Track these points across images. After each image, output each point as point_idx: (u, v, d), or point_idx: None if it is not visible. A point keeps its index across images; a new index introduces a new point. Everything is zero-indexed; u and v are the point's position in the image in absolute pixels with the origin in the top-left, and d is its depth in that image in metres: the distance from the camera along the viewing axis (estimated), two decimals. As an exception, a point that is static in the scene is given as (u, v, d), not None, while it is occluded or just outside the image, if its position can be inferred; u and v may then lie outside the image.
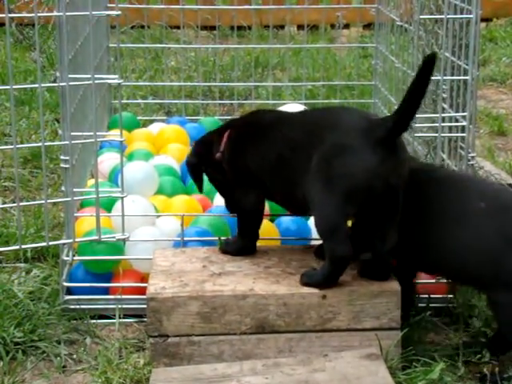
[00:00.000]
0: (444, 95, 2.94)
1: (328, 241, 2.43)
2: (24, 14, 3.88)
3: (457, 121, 2.98)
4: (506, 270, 2.38)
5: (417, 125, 2.89)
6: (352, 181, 2.35)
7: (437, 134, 2.91)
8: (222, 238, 2.80)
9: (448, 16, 2.86)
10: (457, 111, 2.98)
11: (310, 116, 2.63)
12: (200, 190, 2.84)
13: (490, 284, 2.42)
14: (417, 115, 2.86)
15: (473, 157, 2.88)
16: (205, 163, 2.77)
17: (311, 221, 2.99)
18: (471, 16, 2.79)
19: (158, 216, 3.07)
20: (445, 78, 2.88)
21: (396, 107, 2.41)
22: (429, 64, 2.31)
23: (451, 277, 2.62)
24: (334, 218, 2.38)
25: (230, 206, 2.80)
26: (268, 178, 2.58)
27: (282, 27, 6.17)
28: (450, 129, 3.00)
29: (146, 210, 3.04)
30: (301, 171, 2.45)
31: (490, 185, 2.75)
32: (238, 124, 2.76)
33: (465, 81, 2.90)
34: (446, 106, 3.00)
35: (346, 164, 2.35)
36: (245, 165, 2.62)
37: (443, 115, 2.91)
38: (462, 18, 2.89)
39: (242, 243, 2.68)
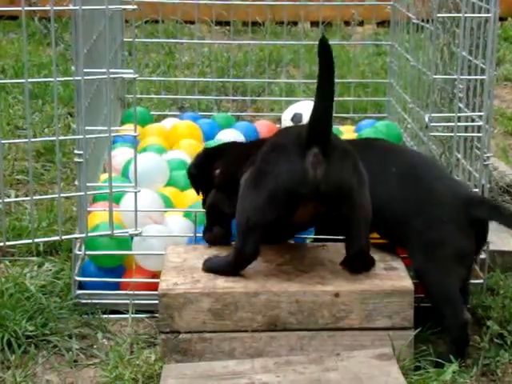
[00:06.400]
0: (460, 95, 2.92)
1: (240, 235, 2.43)
2: (39, 8, 3.86)
3: (473, 120, 2.96)
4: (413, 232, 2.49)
5: (432, 124, 2.88)
6: (275, 182, 2.34)
7: (452, 134, 2.89)
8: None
9: (466, 15, 2.84)
10: (473, 111, 2.96)
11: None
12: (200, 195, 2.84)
13: (405, 245, 2.57)
14: (432, 114, 2.88)
15: (488, 157, 2.86)
16: (203, 176, 2.78)
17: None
18: (489, 15, 2.77)
19: (167, 212, 3.05)
20: (461, 77, 2.86)
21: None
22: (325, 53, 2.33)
23: (381, 234, 2.67)
24: (252, 217, 2.38)
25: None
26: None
27: (296, 24, 6.15)
28: (466, 128, 2.98)
29: (156, 204, 3.02)
30: None
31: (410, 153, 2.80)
32: (237, 151, 2.75)
33: (481, 80, 2.88)
34: (461, 105, 2.98)
35: (273, 163, 2.35)
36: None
37: (459, 115, 2.89)
38: (480, 16, 2.87)
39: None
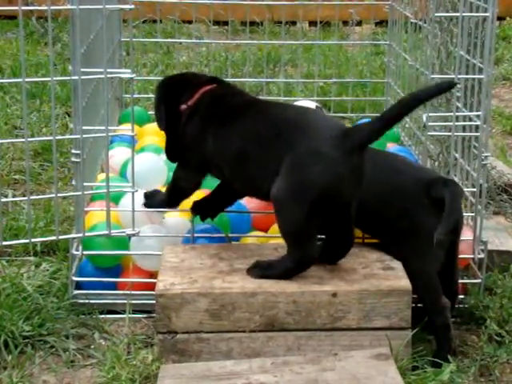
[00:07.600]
0: (458, 94, 2.91)
1: (294, 244, 2.44)
2: (37, 7, 3.86)
3: (470, 120, 2.95)
4: None
5: (430, 123, 2.87)
6: (322, 190, 2.36)
7: (450, 133, 2.89)
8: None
9: (464, 14, 2.83)
10: (470, 110, 2.96)
11: (282, 113, 2.54)
12: (162, 127, 2.74)
13: (380, 237, 2.68)
14: (430, 114, 2.88)
15: (486, 156, 2.85)
16: (168, 104, 2.70)
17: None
18: (487, 14, 2.76)
19: (165, 212, 3.04)
20: (459, 76, 2.86)
21: (381, 114, 2.40)
22: (443, 89, 2.37)
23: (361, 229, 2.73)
24: (302, 223, 2.40)
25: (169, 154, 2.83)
26: (228, 167, 2.56)
27: (294, 23, 6.15)
28: (464, 128, 2.98)
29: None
30: (267, 167, 2.43)
31: None
32: (217, 94, 2.67)
33: (479, 80, 2.88)
34: (459, 104, 2.97)
35: (318, 172, 2.35)
36: (203, 147, 2.60)
37: (457, 114, 2.89)
38: (478, 16, 2.87)
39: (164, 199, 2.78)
